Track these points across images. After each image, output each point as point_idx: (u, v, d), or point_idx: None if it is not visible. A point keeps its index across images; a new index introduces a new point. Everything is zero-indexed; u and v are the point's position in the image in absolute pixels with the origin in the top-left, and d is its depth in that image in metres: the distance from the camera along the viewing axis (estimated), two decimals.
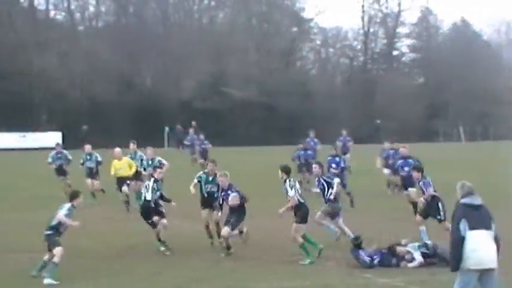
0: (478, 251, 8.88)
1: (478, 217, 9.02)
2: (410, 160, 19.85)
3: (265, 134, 63.81)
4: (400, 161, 20.52)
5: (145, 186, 15.62)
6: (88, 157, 23.85)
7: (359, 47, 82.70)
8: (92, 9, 72.77)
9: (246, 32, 73.12)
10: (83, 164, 23.80)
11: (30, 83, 62.19)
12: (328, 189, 15.56)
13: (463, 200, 9.18)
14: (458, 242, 8.92)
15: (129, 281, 12.70)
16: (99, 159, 24.15)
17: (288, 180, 14.16)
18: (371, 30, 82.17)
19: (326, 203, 15.75)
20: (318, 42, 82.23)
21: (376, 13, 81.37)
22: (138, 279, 12.76)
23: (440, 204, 15.04)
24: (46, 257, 12.73)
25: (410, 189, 19.25)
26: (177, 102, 65.10)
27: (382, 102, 73.26)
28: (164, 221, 15.11)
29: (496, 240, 9.13)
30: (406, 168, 19.58)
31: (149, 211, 15.18)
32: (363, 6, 79.88)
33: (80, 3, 71.41)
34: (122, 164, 21.94)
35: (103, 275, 13.01)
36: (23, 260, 14.20)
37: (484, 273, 8.99)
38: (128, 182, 21.65)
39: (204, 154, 34.74)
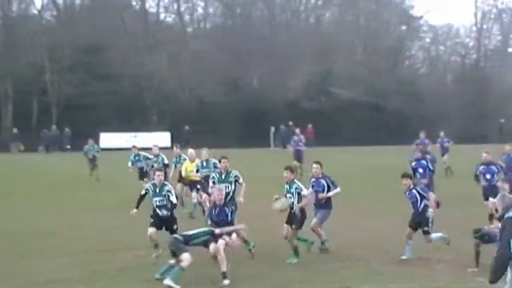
0: None
1: None
2: (493, 167, 18.46)
3: (373, 134, 62.84)
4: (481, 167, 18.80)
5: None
6: (177, 159, 22.77)
7: (471, 44, 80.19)
8: (200, 11, 74.17)
9: (353, 31, 72.31)
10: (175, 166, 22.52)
11: (142, 84, 64.08)
12: (421, 200, 14.29)
13: (511, 214, 8.36)
14: (507, 260, 8.19)
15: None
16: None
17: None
18: (484, 26, 79.62)
19: (417, 213, 14.36)
20: (428, 40, 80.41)
21: (491, 9, 78.91)
22: (240, 281, 12.31)
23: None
24: (172, 261, 12.32)
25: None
26: (284, 103, 65.13)
27: (496, 102, 70.73)
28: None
29: None
30: (488, 176, 18.31)
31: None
32: (475, 2, 77.71)
33: (189, 5, 72.93)
34: (194, 166, 20.58)
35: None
36: (128, 258, 14.35)
37: None
38: (198, 186, 20.13)
39: (297, 155, 32.92)
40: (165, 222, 13.87)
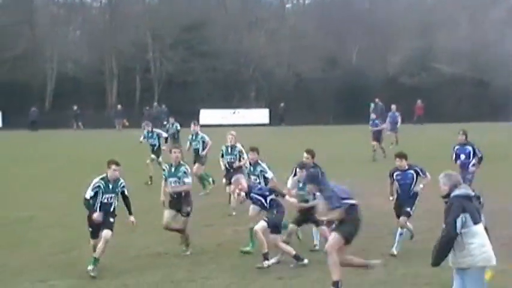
0: (485, 246, 8.05)
1: (475, 209, 8.11)
2: (467, 147, 16.56)
3: (475, 110, 61.15)
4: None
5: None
6: (193, 137, 21.76)
7: None
8: None
9: (457, 3, 70.19)
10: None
11: (240, 61, 64.75)
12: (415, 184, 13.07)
13: (458, 192, 8.10)
14: (453, 240, 7.95)
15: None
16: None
17: None
18: None
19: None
20: None
21: None
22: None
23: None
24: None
25: None
26: (383, 79, 64.28)
27: None
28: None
29: (486, 231, 8.31)
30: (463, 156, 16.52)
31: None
32: None
33: None
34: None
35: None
36: (228, 232, 14.67)
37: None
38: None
39: (375, 135, 30.22)
40: (178, 205, 13.11)
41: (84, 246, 12.75)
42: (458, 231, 7.97)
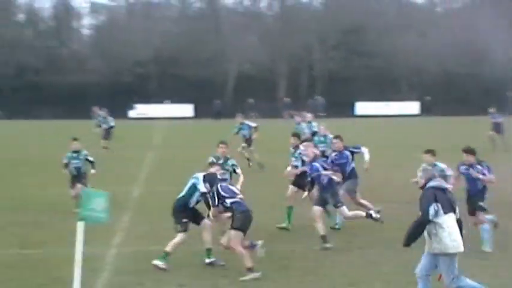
0: (454, 234, 8.35)
1: (447, 200, 8.46)
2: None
3: None
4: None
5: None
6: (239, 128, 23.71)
7: None
8: None
9: None
10: None
11: (393, 60, 67.58)
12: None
13: (432, 184, 8.56)
14: (424, 225, 8.36)
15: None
16: None
17: None
18: None
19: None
20: None
21: None
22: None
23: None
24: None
25: None
26: None
27: None
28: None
29: (460, 222, 8.56)
30: None
31: None
32: None
33: None
34: None
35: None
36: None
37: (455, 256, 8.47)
38: None
39: (495, 127, 28.95)
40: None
41: None
42: (430, 217, 8.28)
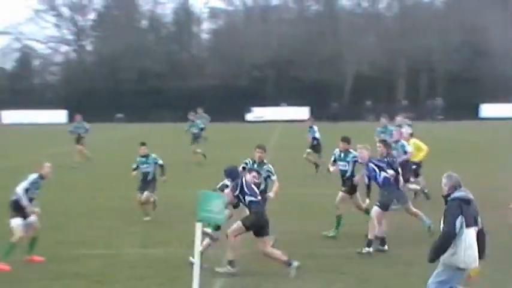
0: (471, 250, 7.99)
1: (471, 213, 8.06)
2: None
3: None
4: None
5: None
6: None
7: None
8: None
9: None
10: None
11: None
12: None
13: (457, 194, 8.07)
14: (452, 240, 7.93)
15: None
16: None
17: None
18: None
19: None
20: None
21: None
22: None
23: None
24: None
25: None
26: None
27: None
28: None
29: (482, 234, 8.19)
30: None
31: None
32: None
33: None
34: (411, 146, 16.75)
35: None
36: None
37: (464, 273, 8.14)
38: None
39: None
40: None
41: None
42: (457, 231, 7.89)
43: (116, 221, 15.33)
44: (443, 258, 8.01)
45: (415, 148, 16.81)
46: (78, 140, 27.58)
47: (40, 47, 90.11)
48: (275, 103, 66.24)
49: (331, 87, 66.76)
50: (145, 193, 15.41)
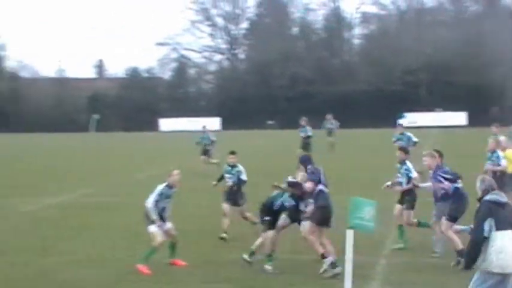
0: (504, 253, 7.74)
1: (505, 216, 7.84)
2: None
3: None
4: None
5: None
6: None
7: None
8: None
9: None
10: None
11: None
12: None
13: (488, 197, 7.98)
14: (480, 243, 7.83)
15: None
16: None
17: None
18: None
19: None
20: None
21: None
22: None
23: None
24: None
25: None
26: None
27: None
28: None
29: None
30: None
31: None
32: None
33: None
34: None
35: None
36: None
37: (505, 277, 7.84)
38: None
39: None
40: None
41: None
42: (486, 234, 7.80)
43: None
44: (478, 265, 7.90)
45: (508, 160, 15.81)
46: (205, 151, 26.69)
47: (195, 57, 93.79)
48: (428, 108, 64.46)
49: (491, 91, 63.99)
50: (229, 208, 14.33)
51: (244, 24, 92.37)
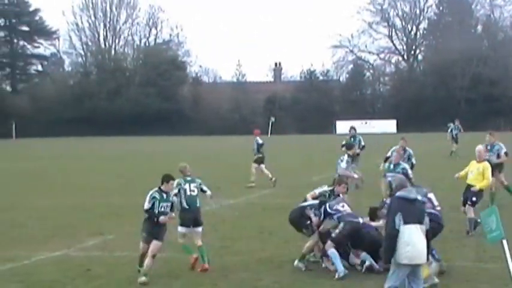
0: (410, 246, 8.35)
1: (413, 211, 8.45)
2: None
3: None
4: None
5: None
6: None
7: None
8: None
9: None
10: None
11: None
12: None
13: (398, 194, 8.64)
14: (394, 236, 8.40)
15: None
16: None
17: None
18: None
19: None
20: None
21: None
22: None
23: None
24: None
25: None
26: None
27: None
28: None
29: (427, 234, 8.55)
30: None
31: None
32: None
33: None
34: None
35: None
36: None
37: (415, 268, 8.54)
38: None
39: None
40: None
41: None
42: (397, 227, 8.42)
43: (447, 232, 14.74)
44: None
45: None
46: (259, 160, 24.53)
47: (372, 58, 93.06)
48: None
49: None
50: None
51: (423, 24, 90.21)
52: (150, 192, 11.24)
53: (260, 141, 25.07)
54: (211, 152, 48.12)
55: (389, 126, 71.47)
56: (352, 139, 22.79)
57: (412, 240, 8.39)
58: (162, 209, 11.16)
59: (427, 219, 8.65)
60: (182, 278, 11.47)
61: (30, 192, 24.44)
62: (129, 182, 26.86)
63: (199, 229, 11.91)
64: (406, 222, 8.41)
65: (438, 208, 11.17)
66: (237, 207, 19.75)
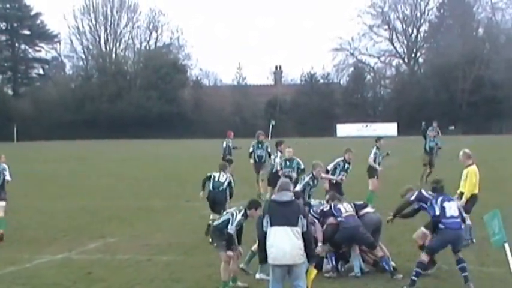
0: (274, 247, 8.56)
1: (281, 213, 8.59)
2: None
3: None
4: None
5: None
6: None
7: None
8: None
9: None
10: None
11: None
12: None
13: (272, 197, 9.03)
14: (263, 237, 8.71)
15: None
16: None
17: None
18: None
19: None
20: None
21: None
22: None
23: None
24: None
25: None
26: None
27: None
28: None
29: (304, 236, 8.59)
30: None
31: None
32: None
33: None
34: None
35: None
36: None
37: (290, 269, 8.63)
38: None
39: None
40: None
41: None
42: (265, 229, 8.70)
43: None
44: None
45: None
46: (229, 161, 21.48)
47: (372, 61, 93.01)
48: None
49: None
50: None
51: (424, 27, 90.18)
52: (238, 218, 10.44)
53: (231, 144, 26.21)
54: (212, 153, 48.04)
55: (390, 129, 71.35)
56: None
57: (276, 242, 8.55)
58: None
59: (303, 222, 8.67)
60: (184, 281, 11.42)
61: (32, 195, 24.42)
62: (131, 185, 26.81)
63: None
64: (272, 225, 8.61)
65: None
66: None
